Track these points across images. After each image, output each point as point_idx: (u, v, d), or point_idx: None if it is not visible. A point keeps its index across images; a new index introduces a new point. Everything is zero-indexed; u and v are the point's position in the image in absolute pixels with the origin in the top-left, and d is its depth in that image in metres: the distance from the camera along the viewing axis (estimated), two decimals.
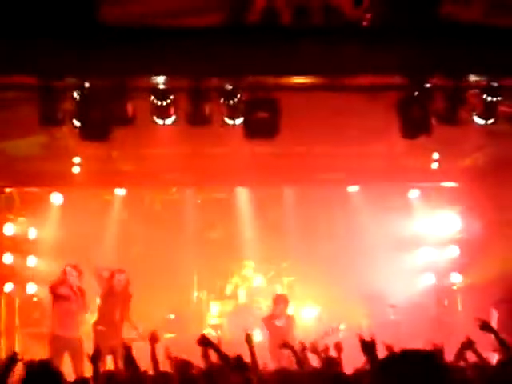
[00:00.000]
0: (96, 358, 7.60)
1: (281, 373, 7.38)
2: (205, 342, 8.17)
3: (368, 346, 6.80)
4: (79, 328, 12.93)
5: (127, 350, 7.87)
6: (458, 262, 15.99)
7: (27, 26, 9.40)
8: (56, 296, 12.80)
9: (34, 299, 15.63)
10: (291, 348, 8.73)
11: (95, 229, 16.29)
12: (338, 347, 8.63)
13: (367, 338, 6.91)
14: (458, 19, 9.83)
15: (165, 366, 8.10)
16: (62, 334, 12.62)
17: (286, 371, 7.56)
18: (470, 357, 7.90)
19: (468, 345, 7.81)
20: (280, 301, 14.19)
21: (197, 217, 17.44)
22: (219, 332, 15.80)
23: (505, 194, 14.60)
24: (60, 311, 12.79)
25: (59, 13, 9.44)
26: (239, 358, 7.36)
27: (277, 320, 13.91)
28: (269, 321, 14.00)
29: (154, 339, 8.47)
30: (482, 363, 7.47)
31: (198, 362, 8.21)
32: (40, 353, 11.68)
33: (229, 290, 17.16)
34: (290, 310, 14.76)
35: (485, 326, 8.18)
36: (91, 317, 13.80)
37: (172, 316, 16.20)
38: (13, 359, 7.11)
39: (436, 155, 15.04)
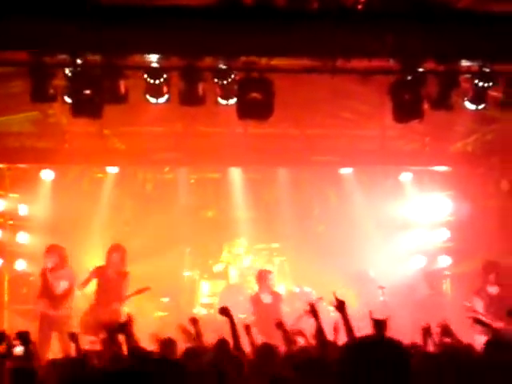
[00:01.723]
0: (75, 337, 7.61)
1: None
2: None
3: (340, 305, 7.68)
4: (67, 306, 12.90)
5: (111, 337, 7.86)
6: (448, 245, 16.05)
7: (20, 2, 9.38)
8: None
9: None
10: (283, 329, 8.77)
11: (86, 206, 16.26)
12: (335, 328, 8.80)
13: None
14: (451, 4, 9.83)
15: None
16: (50, 313, 12.68)
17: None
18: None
19: (444, 330, 7.86)
20: (263, 276, 14.17)
21: (189, 196, 17.44)
22: (211, 311, 15.85)
23: (495, 178, 14.70)
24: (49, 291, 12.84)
25: None
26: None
27: (263, 295, 13.88)
28: (255, 299, 14.00)
29: (129, 321, 8.37)
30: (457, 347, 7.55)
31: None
32: (29, 330, 11.69)
33: (220, 268, 17.18)
34: (277, 288, 14.82)
35: (477, 321, 8.31)
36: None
37: (166, 299, 16.19)
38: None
39: (428, 139, 15.10)
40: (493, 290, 13.15)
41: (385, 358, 3.49)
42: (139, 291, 13.30)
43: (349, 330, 7.36)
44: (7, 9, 9.43)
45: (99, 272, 13.50)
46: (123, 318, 8.48)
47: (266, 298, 13.91)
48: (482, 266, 13.42)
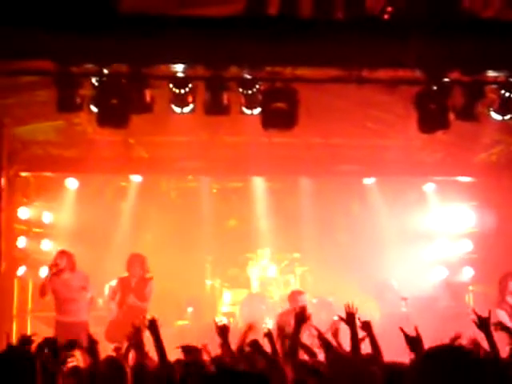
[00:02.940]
0: (94, 344, 7.57)
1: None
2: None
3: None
4: (83, 312, 12.90)
5: (137, 337, 7.82)
6: (471, 256, 15.97)
7: (47, 12, 9.44)
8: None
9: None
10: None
11: (110, 215, 16.36)
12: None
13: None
14: (477, 14, 9.80)
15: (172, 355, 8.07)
16: (63, 319, 12.70)
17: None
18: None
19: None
20: (294, 298, 14.13)
21: (212, 205, 17.47)
22: (231, 320, 15.85)
23: None
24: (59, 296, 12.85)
25: (78, 0, 9.49)
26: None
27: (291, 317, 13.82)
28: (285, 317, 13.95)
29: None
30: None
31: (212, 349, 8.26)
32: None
33: (241, 277, 17.20)
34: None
35: (500, 326, 8.18)
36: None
37: (189, 309, 16.16)
38: (25, 341, 7.17)
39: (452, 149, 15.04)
40: None
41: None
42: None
43: (354, 344, 7.31)
44: (35, 19, 9.49)
45: (123, 282, 13.58)
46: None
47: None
48: (500, 278, 13.33)
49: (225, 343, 8.00)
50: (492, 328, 7.53)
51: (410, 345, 6.78)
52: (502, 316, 12.82)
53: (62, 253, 13.03)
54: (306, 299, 14.03)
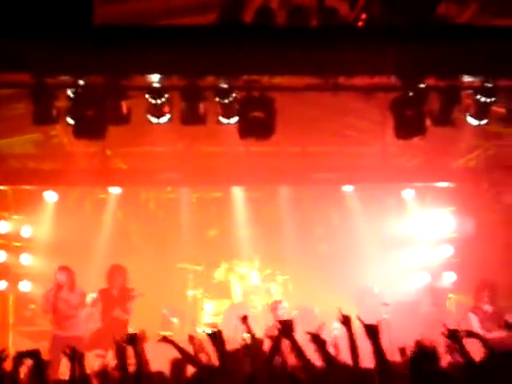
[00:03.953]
0: (81, 357, 7.55)
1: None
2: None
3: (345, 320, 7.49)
4: (78, 327, 12.94)
5: (120, 349, 7.82)
6: (452, 261, 16.01)
7: (22, 24, 9.39)
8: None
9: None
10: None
11: (89, 227, 16.30)
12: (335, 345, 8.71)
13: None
14: (452, 20, 9.85)
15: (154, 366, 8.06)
16: (60, 334, 12.71)
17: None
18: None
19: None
20: (274, 308, 14.17)
21: (192, 215, 17.43)
22: (215, 330, 15.77)
23: (498, 193, 14.66)
24: (58, 312, 12.87)
25: (54, 11, 9.43)
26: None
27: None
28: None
29: (141, 339, 8.36)
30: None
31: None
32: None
33: (223, 287, 17.16)
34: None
35: (469, 334, 8.28)
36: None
37: (175, 320, 16.11)
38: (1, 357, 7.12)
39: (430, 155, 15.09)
40: (487, 308, 13.10)
41: None
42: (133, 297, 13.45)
43: (352, 346, 7.33)
44: (8, 30, 9.44)
45: (104, 294, 13.61)
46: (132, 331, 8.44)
47: None
48: (475, 286, 13.40)
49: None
50: (462, 336, 7.65)
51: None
52: (473, 320, 12.90)
53: (63, 268, 13.03)
54: (285, 306, 14.09)
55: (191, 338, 9.04)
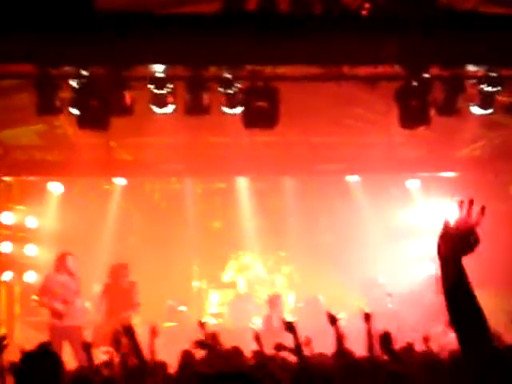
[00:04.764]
0: (89, 347, 7.58)
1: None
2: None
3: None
4: (77, 316, 12.89)
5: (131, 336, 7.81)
6: None
7: (25, 15, 9.37)
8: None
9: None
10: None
11: (94, 218, 16.31)
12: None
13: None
14: (455, 8, 9.78)
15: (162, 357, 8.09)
16: (58, 324, 12.65)
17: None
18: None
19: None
20: (273, 301, 14.23)
21: (197, 206, 17.44)
22: (220, 321, 15.83)
23: (503, 183, 14.63)
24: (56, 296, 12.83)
25: (57, 1, 9.41)
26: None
27: (274, 318, 13.85)
28: (268, 321, 13.99)
29: (153, 333, 8.42)
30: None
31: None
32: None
33: (228, 278, 17.19)
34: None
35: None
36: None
37: (183, 308, 16.09)
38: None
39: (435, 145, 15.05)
40: None
41: None
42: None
43: (369, 340, 7.39)
44: (12, 22, 9.43)
45: (107, 289, 13.64)
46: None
47: (277, 322, 13.88)
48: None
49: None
50: None
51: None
52: None
53: (65, 254, 13.02)
54: (284, 300, 14.20)
55: (201, 324, 9.02)
